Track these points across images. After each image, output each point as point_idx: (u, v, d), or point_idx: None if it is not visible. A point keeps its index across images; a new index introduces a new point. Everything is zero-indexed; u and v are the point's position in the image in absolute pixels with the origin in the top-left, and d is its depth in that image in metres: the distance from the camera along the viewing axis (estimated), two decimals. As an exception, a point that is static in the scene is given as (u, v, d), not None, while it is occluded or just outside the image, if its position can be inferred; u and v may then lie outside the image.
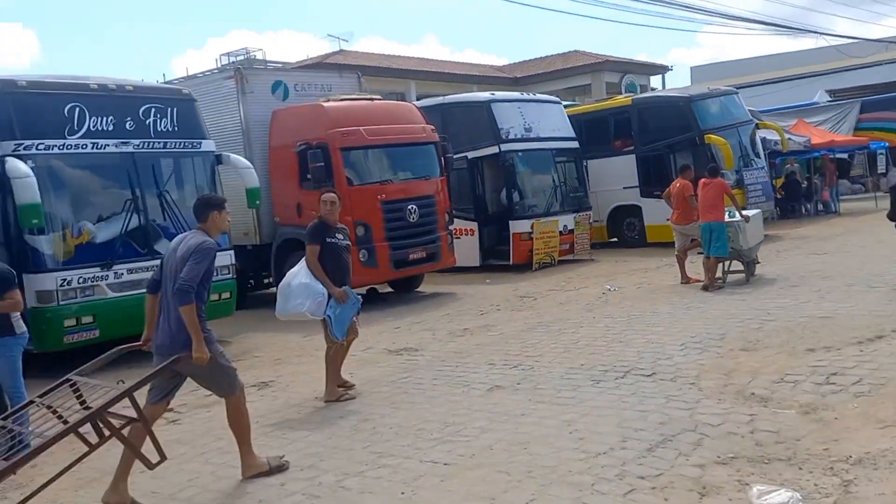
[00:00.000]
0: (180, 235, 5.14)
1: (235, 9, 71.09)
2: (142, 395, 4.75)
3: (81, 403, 4.59)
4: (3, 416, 4.89)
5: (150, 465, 4.51)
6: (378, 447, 5.30)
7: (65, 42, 75.03)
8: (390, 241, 11.58)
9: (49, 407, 4.59)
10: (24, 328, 6.18)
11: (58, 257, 8.54)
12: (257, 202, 10.49)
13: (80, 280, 8.56)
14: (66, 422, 4.42)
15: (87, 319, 8.59)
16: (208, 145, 10.10)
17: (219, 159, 10.20)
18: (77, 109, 8.77)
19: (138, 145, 9.24)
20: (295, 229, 11.98)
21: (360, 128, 11.51)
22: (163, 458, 4.54)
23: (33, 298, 8.32)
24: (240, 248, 11.21)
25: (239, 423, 4.98)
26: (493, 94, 15.55)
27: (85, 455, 4.44)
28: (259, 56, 26.87)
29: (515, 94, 16.99)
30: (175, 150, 9.70)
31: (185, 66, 52.92)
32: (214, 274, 9.65)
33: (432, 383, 6.99)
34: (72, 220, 8.79)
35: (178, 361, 4.66)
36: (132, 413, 4.44)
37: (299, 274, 6.40)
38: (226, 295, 10.01)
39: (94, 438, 4.40)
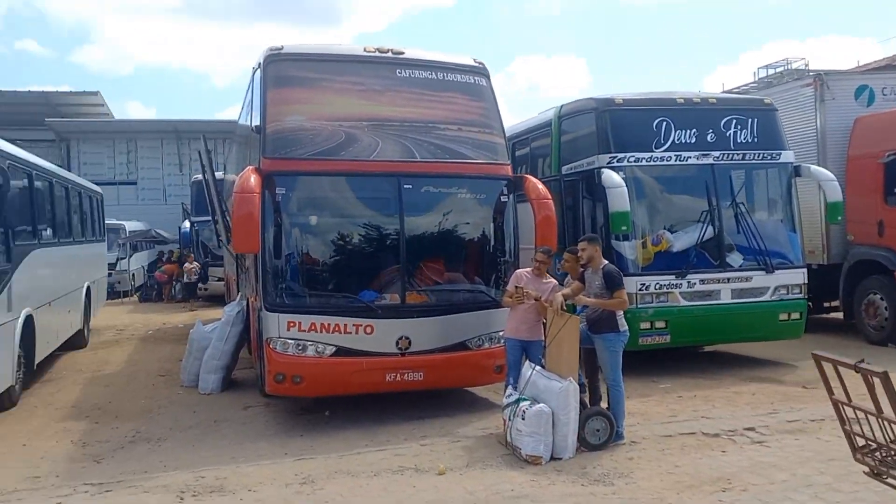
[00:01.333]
0: None
1: (769, 21, 68.43)
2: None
3: None
4: None
5: None
6: None
7: (607, 67, 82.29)
8: None
9: None
10: (626, 326, 6.61)
11: (639, 263, 9.04)
12: (839, 217, 9.59)
13: (657, 286, 8.91)
14: None
15: (659, 324, 8.91)
16: (787, 156, 9.63)
17: (797, 171, 9.63)
18: (664, 123, 9.19)
19: (718, 157, 9.27)
20: (872, 250, 10.72)
21: (973, 134, 9.66)
22: None
23: (615, 300, 8.95)
24: (804, 266, 10.42)
25: None
26: None
27: None
28: (800, 66, 25.00)
29: None
30: (753, 161, 9.47)
31: (721, 81, 52.63)
32: (786, 292, 9.28)
33: None
34: (652, 229, 9.24)
35: None
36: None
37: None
38: (795, 315, 9.45)
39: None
